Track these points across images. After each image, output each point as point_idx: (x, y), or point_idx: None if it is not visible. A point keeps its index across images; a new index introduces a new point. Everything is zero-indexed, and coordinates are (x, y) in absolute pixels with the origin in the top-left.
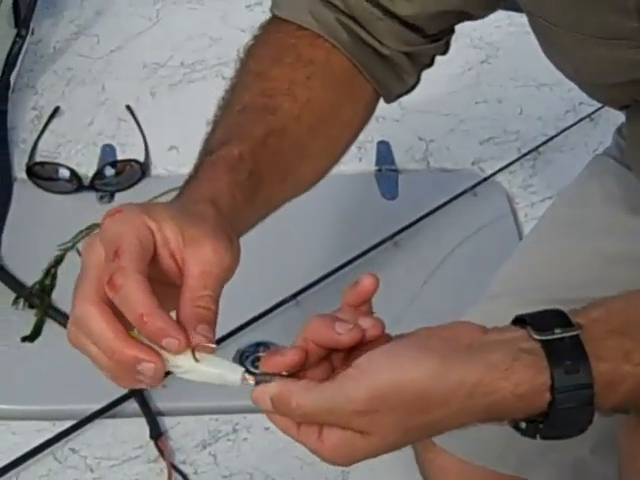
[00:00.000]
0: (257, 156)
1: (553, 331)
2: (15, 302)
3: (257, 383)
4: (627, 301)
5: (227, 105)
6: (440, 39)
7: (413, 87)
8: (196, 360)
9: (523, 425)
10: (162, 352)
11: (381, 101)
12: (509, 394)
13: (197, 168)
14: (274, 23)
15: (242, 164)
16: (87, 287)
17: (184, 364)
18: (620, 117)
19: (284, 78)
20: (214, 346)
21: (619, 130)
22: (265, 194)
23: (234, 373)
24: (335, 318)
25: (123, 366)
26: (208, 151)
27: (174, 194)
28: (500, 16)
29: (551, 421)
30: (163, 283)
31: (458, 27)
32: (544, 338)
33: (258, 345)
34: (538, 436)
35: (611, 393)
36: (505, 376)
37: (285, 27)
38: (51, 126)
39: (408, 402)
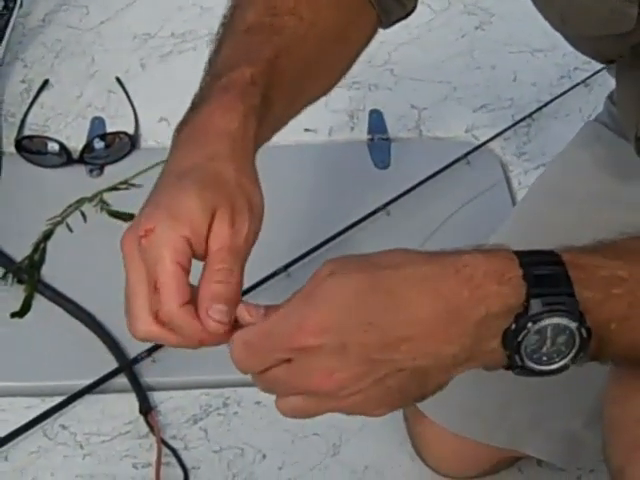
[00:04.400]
0: (268, 79)
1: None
2: (4, 277)
3: None
4: (605, 239)
5: (231, 23)
6: None
7: (410, 12)
8: None
9: (513, 326)
10: None
11: (374, 70)
12: (474, 251)
13: (206, 91)
14: None
15: (255, 88)
16: (141, 310)
17: None
18: (613, 83)
19: None
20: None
21: (610, 96)
22: (275, 115)
23: None
24: None
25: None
26: (216, 73)
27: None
28: None
29: (533, 295)
30: None
31: None
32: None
33: None
34: (530, 323)
35: (586, 276)
36: (467, 247)
37: None
38: (40, 99)
39: (367, 256)
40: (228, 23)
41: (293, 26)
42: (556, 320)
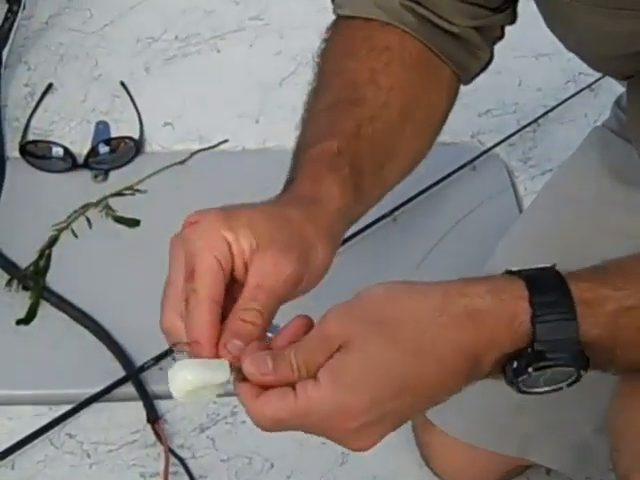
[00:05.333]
0: (353, 149)
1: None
2: (9, 284)
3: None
4: (615, 259)
5: (312, 107)
6: (506, 8)
7: (488, 63)
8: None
9: (514, 364)
10: None
11: None
12: (486, 293)
13: (294, 169)
14: (340, 23)
15: (341, 158)
16: (173, 299)
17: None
18: (620, 88)
19: (363, 68)
20: None
21: (617, 102)
22: (366, 185)
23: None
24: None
25: None
26: (302, 150)
27: (169, 171)
28: None
29: (539, 340)
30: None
31: None
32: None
33: None
34: (530, 369)
35: (593, 313)
36: (480, 282)
37: (352, 23)
38: (44, 103)
39: (382, 310)
40: (309, 106)
41: (372, 95)
42: (557, 369)
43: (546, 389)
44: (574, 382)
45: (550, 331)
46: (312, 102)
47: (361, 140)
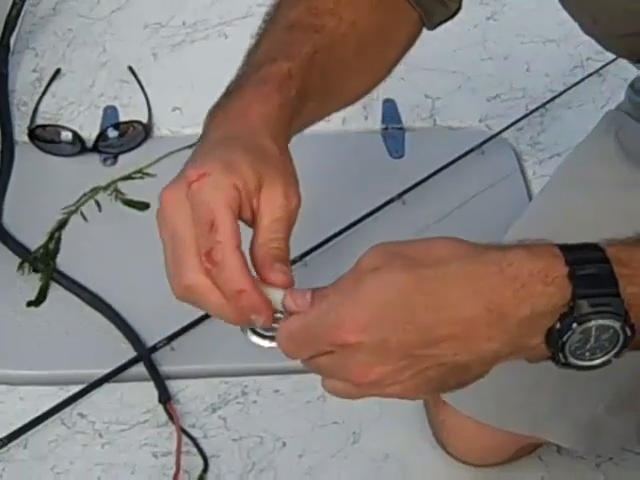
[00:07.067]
0: (305, 74)
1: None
2: (20, 267)
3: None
4: None
5: (272, 21)
6: None
7: (455, 13)
8: None
9: (557, 325)
10: None
11: None
12: (520, 249)
13: (243, 81)
14: None
15: (291, 82)
16: (191, 257)
17: None
18: (630, 72)
19: None
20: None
21: (632, 85)
22: (308, 110)
23: None
24: None
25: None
26: (255, 65)
27: (178, 155)
28: None
29: (578, 295)
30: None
31: None
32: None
33: None
34: (574, 324)
35: (629, 271)
36: (514, 243)
37: None
38: (52, 88)
39: (417, 248)
40: (270, 20)
41: (333, 26)
42: (601, 321)
43: (594, 362)
44: (621, 348)
45: (588, 285)
46: (273, 16)
47: (314, 67)
